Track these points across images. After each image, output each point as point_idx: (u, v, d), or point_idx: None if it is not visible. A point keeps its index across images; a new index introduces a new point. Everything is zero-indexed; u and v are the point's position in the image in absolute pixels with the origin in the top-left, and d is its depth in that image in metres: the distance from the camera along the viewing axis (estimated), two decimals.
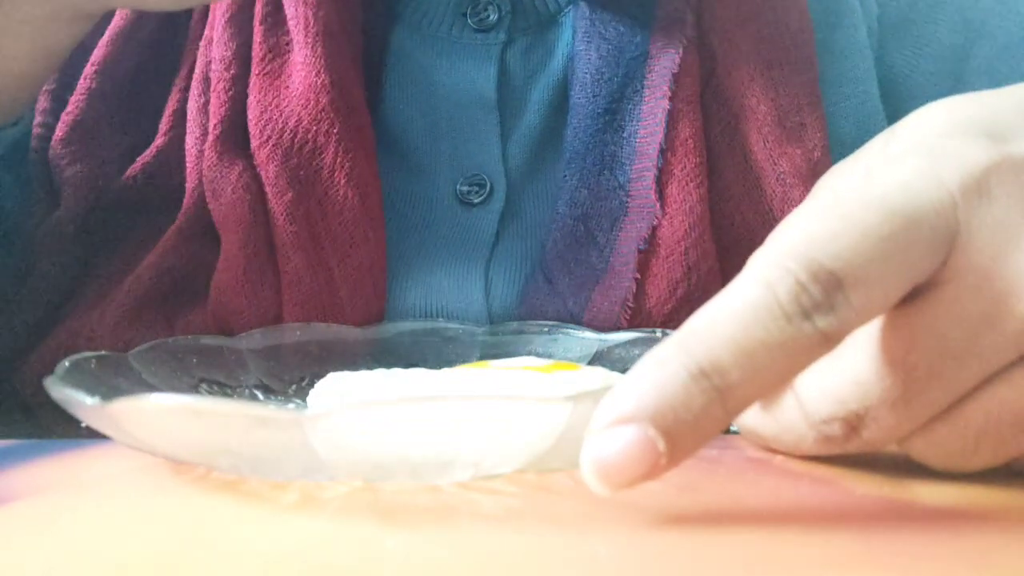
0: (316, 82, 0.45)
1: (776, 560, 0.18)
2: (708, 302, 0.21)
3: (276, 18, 0.47)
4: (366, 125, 0.47)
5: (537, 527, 0.21)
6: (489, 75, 0.49)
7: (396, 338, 0.42)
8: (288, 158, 0.44)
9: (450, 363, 0.40)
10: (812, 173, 0.45)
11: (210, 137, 0.45)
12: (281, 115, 0.45)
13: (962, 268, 0.22)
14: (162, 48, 0.50)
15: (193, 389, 0.35)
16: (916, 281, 0.22)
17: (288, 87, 0.45)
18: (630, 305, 0.42)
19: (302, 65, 0.45)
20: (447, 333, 0.42)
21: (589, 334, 0.41)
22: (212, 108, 0.46)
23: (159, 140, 0.47)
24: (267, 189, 0.44)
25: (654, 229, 0.43)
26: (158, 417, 0.23)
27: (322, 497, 0.23)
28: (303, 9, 0.46)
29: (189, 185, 0.46)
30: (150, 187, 0.47)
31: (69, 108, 0.47)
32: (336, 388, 0.33)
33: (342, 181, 0.44)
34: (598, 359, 0.40)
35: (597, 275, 0.44)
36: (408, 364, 0.39)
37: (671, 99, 0.45)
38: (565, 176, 0.46)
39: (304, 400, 0.36)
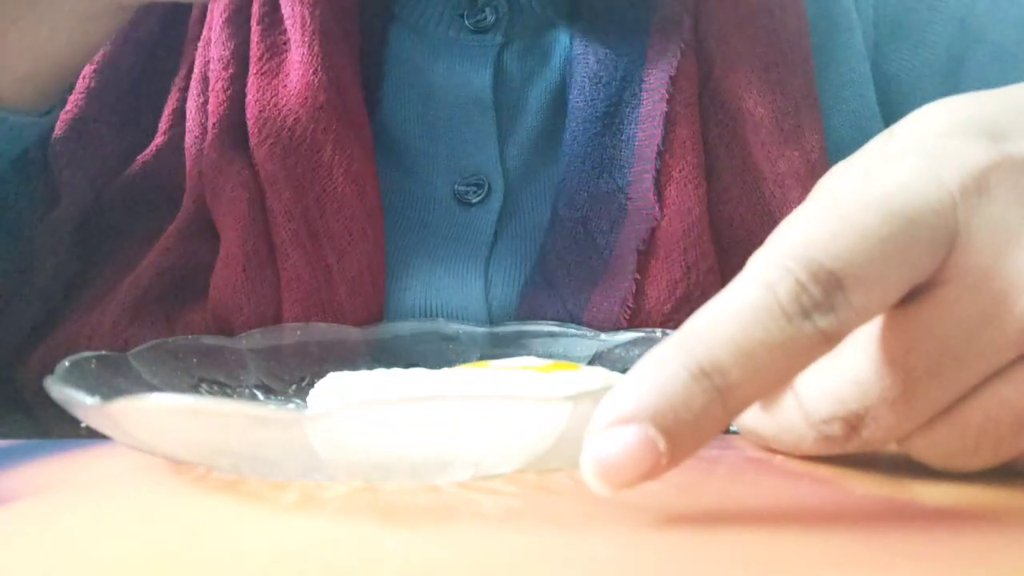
0: (313, 80, 0.45)
1: (776, 560, 0.18)
2: (708, 302, 0.21)
3: (273, 18, 0.47)
4: (363, 123, 0.47)
5: (537, 527, 0.21)
6: (485, 76, 0.49)
7: (396, 338, 0.42)
8: (286, 156, 0.44)
9: (450, 363, 0.40)
10: (810, 174, 0.45)
11: (209, 136, 0.45)
12: (279, 113, 0.45)
13: (962, 268, 0.22)
14: (161, 48, 0.50)
15: (193, 389, 0.35)
16: (916, 281, 0.22)
17: (286, 86, 0.45)
18: (630, 305, 0.43)
19: (299, 64, 0.45)
20: (447, 333, 0.42)
21: (589, 334, 0.41)
22: (211, 107, 0.46)
23: (159, 139, 0.48)
24: (265, 187, 0.44)
25: (653, 230, 0.44)
26: (158, 417, 0.23)
27: (322, 497, 0.23)
28: (299, 8, 0.46)
29: (189, 184, 0.46)
30: (150, 186, 0.47)
31: (68, 107, 0.47)
32: (336, 388, 0.33)
33: (340, 178, 0.44)
34: (598, 359, 0.40)
35: (596, 276, 0.44)
36: (408, 364, 0.39)
37: (669, 102, 0.46)
38: (564, 179, 0.46)
39: (304, 400, 0.36)
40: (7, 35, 0.41)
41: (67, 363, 0.30)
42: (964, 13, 0.52)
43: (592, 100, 0.47)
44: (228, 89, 0.46)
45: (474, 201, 0.48)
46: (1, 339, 0.45)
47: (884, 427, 0.23)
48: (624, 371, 0.37)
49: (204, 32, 0.49)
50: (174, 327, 0.43)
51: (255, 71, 0.46)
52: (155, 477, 0.25)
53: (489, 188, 0.48)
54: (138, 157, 0.47)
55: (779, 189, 0.45)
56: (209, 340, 0.38)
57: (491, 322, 0.45)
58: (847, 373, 0.23)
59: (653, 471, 0.20)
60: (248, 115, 0.45)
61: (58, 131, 0.47)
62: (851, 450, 0.24)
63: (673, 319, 0.42)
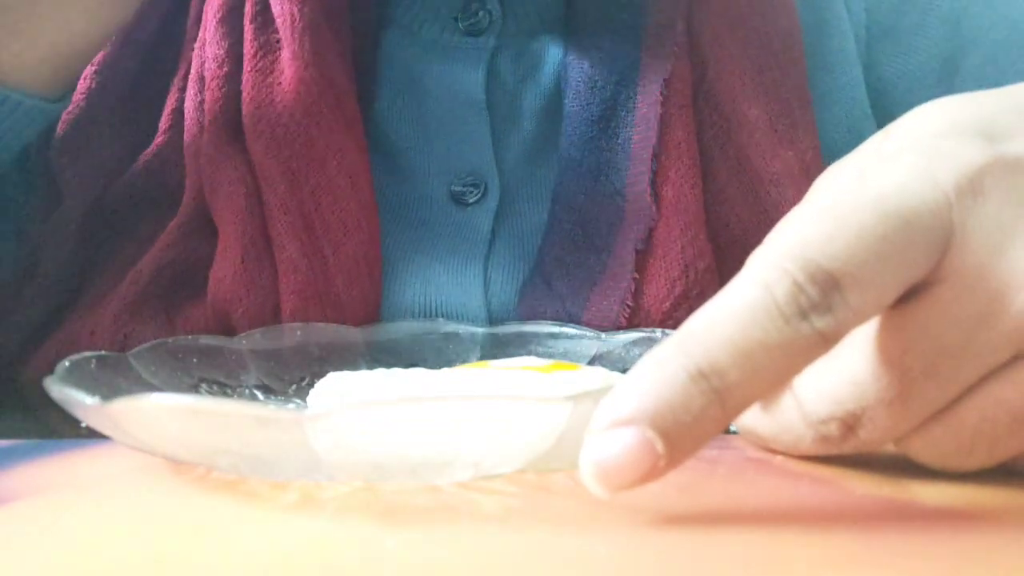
0: (305, 75, 0.45)
1: (776, 560, 0.18)
2: (706, 303, 0.21)
3: (265, 17, 0.48)
4: (356, 118, 0.47)
5: (537, 527, 0.21)
6: (478, 79, 0.49)
7: (396, 338, 0.42)
8: (281, 150, 0.45)
9: (450, 363, 0.40)
10: (805, 174, 0.46)
11: (206, 133, 0.46)
12: (273, 109, 0.45)
13: (957, 268, 0.22)
14: (160, 49, 0.50)
15: (193, 389, 0.35)
16: (912, 281, 0.22)
17: (280, 83, 0.46)
18: (629, 304, 0.43)
19: (291, 60, 0.46)
20: (447, 333, 0.42)
21: (589, 334, 0.41)
22: (207, 105, 0.46)
23: (159, 139, 0.48)
24: (261, 181, 0.44)
25: (651, 230, 0.44)
26: (158, 417, 0.23)
27: (322, 497, 0.23)
28: (288, 6, 0.47)
29: (188, 182, 0.46)
30: (151, 185, 0.47)
31: (70, 108, 0.48)
32: (336, 388, 0.33)
33: (333, 171, 0.45)
34: (598, 359, 0.40)
35: (595, 276, 0.44)
36: (408, 364, 0.40)
37: (663, 104, 0.46)
38: (561, 182, 0.47)
39: (304, 400, 0.36)
40: (37, 6, 0.41)
41: (67, 363, 0.30)
42: (958, 16, 0.52)
43: (587, 104, 0.47)
44: (223, 87, 0.46)
45: (471, 201, 0.48)
46: (3, 339, 0.45)
47: (881, 427, 0.23)
48: (624, 371, 0.37)
49: (200, 33, 0.49)
50: (174, 322, 0.44)
51: (249, 69, 0.46)
52: (155, 477, 0.26)
53: (486, 188, 0.48)
54: (140, 156, 0.48)
55: (774, 188, 0.45)
56: (209, 340, 0.38)
57: (490, 321, 0.45)
58: (844, 374, 0.23)
59: (652, 473, 0.20)
60: (243, 112, 0.46)
61: (60, 131, 0.47)
62: (849, 450, 0.24)
63: (672, 317, 0.43)
